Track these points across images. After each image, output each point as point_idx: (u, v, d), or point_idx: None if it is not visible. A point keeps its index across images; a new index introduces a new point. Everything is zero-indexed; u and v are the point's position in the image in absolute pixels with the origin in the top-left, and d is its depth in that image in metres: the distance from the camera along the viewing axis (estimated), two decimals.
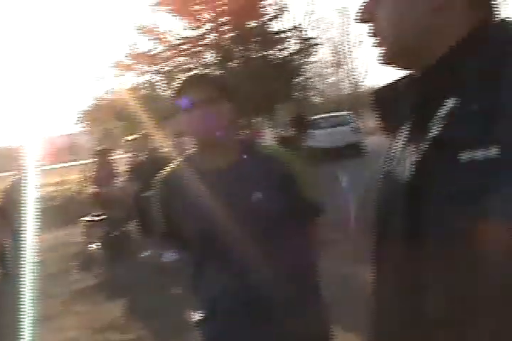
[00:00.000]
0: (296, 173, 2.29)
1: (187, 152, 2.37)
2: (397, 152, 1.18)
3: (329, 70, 42.38)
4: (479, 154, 0.88)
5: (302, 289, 2.22)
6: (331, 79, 43.97)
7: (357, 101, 42.14)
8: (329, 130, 21.01)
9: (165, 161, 7.95)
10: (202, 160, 2.27)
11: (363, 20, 1.15)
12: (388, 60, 1.14)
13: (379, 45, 1.13)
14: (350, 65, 45.04)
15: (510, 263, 0.84)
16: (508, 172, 0.85)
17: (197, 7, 18.69)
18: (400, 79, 1.22)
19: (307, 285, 2.28)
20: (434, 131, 0.98)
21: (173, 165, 2.39)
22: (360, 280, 4.90)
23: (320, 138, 19.24)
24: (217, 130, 2.18)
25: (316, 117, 23.07)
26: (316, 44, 22.18)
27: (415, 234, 1.00)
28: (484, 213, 0.86)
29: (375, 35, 1.14)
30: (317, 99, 39.39)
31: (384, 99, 1.24)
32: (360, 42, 43.80)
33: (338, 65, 43.57)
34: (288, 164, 2.29)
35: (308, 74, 26.62)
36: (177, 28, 20.13)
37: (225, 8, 18.38)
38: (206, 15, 19.01)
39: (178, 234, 2.30)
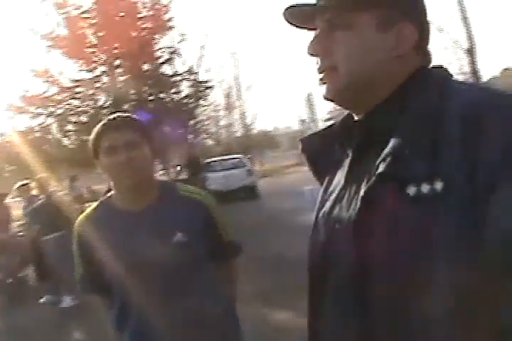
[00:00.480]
0: (216, 215, 2.35)
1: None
2: (335, 193, 1.18)
3: (221, 113, 42.76)
4: (425, 189, 0.92)
5: (221, 328, 2.30)
6: (223, 122, 44.35)
7: (249, 143, 42.73)
8: (223, 173, 21.11)
9: (61, 205, 7.82)
10: (122, 203, 2.28)
11: (314, 54, 1.17)
12: (337, 95, 1.16)
13: (328, 80, 1.15)
14: (241, 108, 45.85)
15: (456, 306, 0.88)
16: (451, 206, 0.89)
17: (90, 50, 18.56)
18: (333, 125, 1.26)
19: (226, 324, 2.35)
20: (380, 168, 1.00)
21: (91, 208, 2.36)
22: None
23: (214, 180, 19.42)
24: (138, 172, 2.19)
25: (209, 160, 23.25)
26: (209, 87, 22.43)
27: (358, 274, 1.02)
28: (432, 248, 0.90)
29: (324, 70, 1.15)
30: (210, 142, 39.73)
31: (316, 143, 1.35)
32: (250, 86, 44.60)
33: (229, 107, 44.04)
34: (207, 205, 2.34)
35: (201, 117, 26.82)
36: (70, 70, 19.76)
37: (119, 50, 18.36)
38: (100, 58, 18.90)
39: (97, 279, 2.26)
